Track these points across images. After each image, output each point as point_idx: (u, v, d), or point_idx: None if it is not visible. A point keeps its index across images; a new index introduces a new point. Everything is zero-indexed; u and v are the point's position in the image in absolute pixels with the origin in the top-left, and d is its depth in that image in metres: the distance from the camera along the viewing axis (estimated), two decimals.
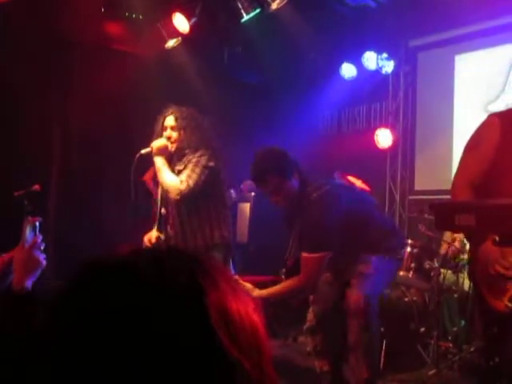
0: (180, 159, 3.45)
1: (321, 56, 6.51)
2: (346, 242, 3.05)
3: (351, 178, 5.12)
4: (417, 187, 6.46)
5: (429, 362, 4.14)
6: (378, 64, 6.23)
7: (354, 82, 6.56)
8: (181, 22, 5.66)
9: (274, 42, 6.03)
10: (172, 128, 3.44)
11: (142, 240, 3.59)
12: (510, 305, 2.06)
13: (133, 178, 3.43)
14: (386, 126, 6.51)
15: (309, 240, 3.04)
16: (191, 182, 3.31)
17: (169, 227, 3.51)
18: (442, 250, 4.60)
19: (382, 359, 3.86)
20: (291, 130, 6.52)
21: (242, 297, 0.61)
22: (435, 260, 4.51)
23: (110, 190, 5.57)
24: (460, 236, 4.38)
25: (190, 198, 3.36)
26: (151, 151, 3.43)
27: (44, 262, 1.80)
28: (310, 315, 3.33)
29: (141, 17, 5.81)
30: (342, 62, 6.53)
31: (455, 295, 4.35)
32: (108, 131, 5.52)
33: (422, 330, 4.33)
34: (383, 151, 6.52)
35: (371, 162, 6.39)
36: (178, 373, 0.54)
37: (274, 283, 3.23)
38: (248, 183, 4.89)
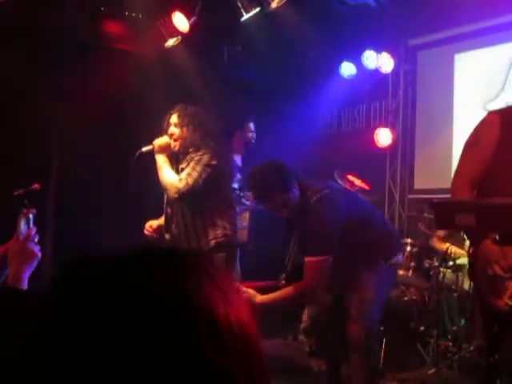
0: (184, 158, 3.44)
1: (320, 55, 6.50)
2: (346, 245, 3.04)
3: (350, 177, 5.12)
4: (416, 186, 6.46)
5: (428, 361, 4.15)
6: (377, 63, 6.23)
7: (353, 80, 6.55)
8: (180, 21, 5.66)
9: (274, 40, 6.03)
10: (175, 125, 3.42)
11: (143, 228, 3.58)
12: (510, 303, 2.06)
13: (135, 176, 3.41)
14: (386, 125, 6.51)
15: (311, 244, 3.02)
16: (190, 181, 3.28)
17: (173, 226, 3.50)
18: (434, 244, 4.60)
19: (382, 358, 3.86)
20: (291, 129, 6.51)
21: (233, 301, 0.59)
22: (435, 259, 4.51)
23: (109, 189, 5.57)
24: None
25: (191, 198, 3.34)
26: (153, 149, 3.42)
27: (39, 254, 1.79)
28: (305, 316, 3.33)
29: (140, 16, 5.80)
30: (341, 61, 6.52)
31: (455, 294, 4.35)
32: (107, 130, 5.51)
33: (422, 329, 4.34)
34: (383, 150, 6.52)
35: (371, 161, 6.39)
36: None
37: (276, 288, 3.20)
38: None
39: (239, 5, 5.46)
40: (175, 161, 3.48)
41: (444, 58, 6.18)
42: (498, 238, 1.70)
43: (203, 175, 3.30)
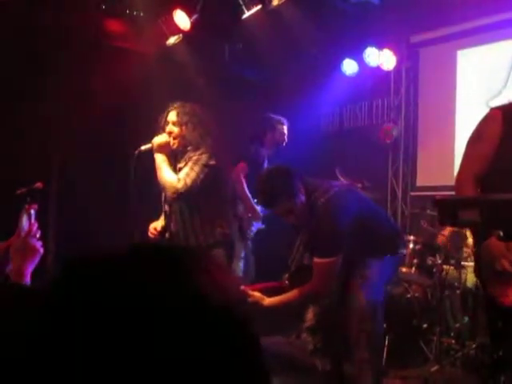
0: (182, 156, 3.43)
1: (322, 52, 6.49)
2: (353, 244, 3.03)
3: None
4: (419, 183, 6.45)
5: (431, 359, 4.14)
6: (379, 60, 6.22)
7: (355, 78, 6.54)
8: (182, 19, 5.65)
9: (275, 38, 6.01)
10: (173, 123, 3.42)
11: (147, 229, 3.59)
12: None
13: (133, 175, 3.40)
14: (388, 122, 6.50)
15: (321, 245, 3.01)
16: (189, 181, 3.28)
17: (172, 224, 3.50)
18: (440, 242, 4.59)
19: (385, 356, 3.86)
20: (293, 127, 6.49)
21: (233, 298, 0.59)
22: (437, 256, 4.50)
23: (111, 187, 5.56)
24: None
25: (189, 197, 3.34)
26: (152, 147, 3.41)
27: (41, 249, 1.79)
28: (310, 314, 3.33)
29: (141, 14, 5.79)
30: (343, 59, 6.51)
31: (458, 291, 4.34)
32: (108, 128, 5.51)
33: (425, 326, 4.33)
34: (385, 147, 6.51)
35: (373, 159, 6.38)
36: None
37: (279, 289, 3.19)
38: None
39: (240, 2, 5.46)
40: (174, 159, 3.48)
41: (446, 55, 6.16)
42: (502, 234, 1.69)
43: (201, 175, 3.30)
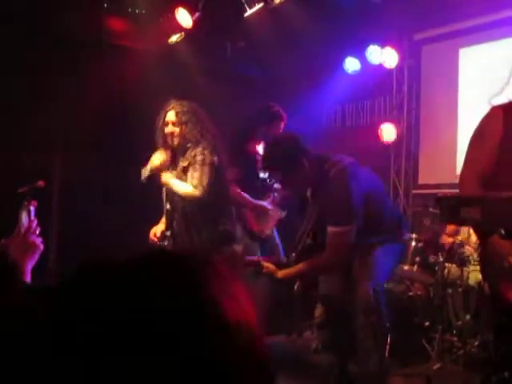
0: (183, 155, 3.44)
1: (324, 50, 6.48)
2: (358, 224, 2.98)
3: None
4: (421, 181, 6.45)
5: (433, 356, 4.14)
6: (381, 58, 6.21)
7: (357, 76, 6.53)
8: (184, 17, 5.65)
9: (277, 36, 6.01)
10: (173, 124, 3.43)
11: (148, 234, 3.60)
12: None
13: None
14: (391, 121, 6.49)
15: (334, 214, 2.95)
16: (205, 184, 3.32)
17: (175, 223, 3.50)
18: (444, 241, 4.58)
19: (387, 353, 3.86)
20: (294, 125, 6.49)
21: (240, 301, 0.59)
22: (440, 254, 4.50)
23: (113, 187, 5.56)
24: (463, 229, 4.38)
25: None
26: (153, 170, 3.40)
27: (41, 246, 1.79)
28: (319, 311, 3.32)
29: (144, 12, 5.80)
30: (345, 57, 6.50)
31: (460, 289, 4.33)
32: (110, 126, 5.51)
33: (427, 324, 4.33)
34: (387, 145, 6.50)
35: (375, 157, 6.37)
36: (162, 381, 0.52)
37: (288, 266, 3.14)
38: None
39: (242, 0, 5.46)
40: (173, 157, 3.49)
41: (448, 53, 6.15)
42: (503, 232, 1.69)
43: (213, 175, 3.35)
